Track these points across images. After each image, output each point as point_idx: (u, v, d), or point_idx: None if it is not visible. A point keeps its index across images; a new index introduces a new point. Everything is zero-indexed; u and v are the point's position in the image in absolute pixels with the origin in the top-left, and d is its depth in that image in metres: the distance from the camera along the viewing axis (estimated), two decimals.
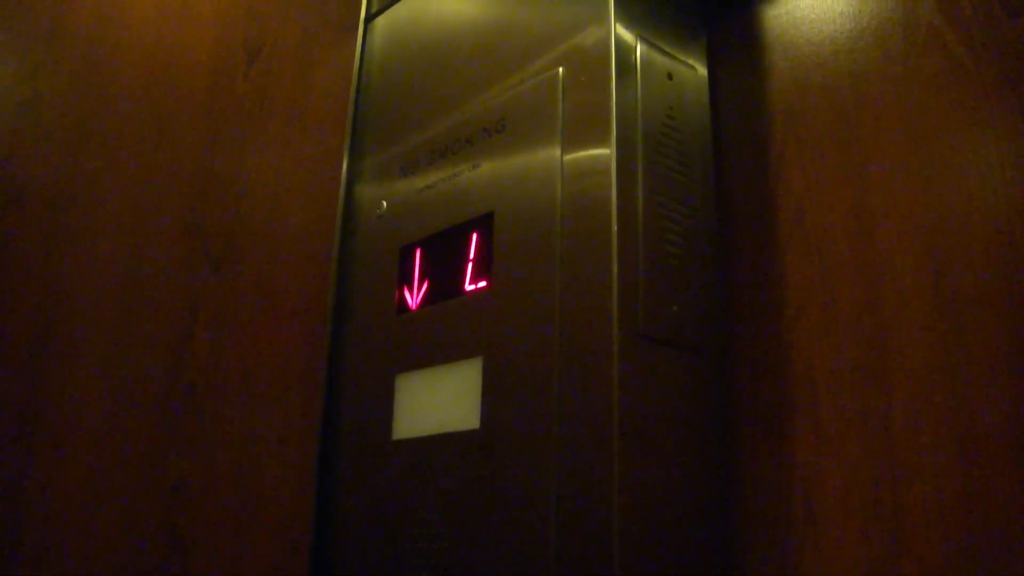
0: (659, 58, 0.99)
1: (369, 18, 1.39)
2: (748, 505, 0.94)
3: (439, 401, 1.03)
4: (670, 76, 1.00)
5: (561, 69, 1.00)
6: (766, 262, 0.99)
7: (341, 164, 1.30)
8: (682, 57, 1.02)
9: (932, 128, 0.89)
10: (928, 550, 0.81)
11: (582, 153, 0.94)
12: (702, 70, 1.05)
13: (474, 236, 1.04)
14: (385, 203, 1.20)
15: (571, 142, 0.96)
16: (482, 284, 1.01)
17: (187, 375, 1.17)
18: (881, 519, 0.84)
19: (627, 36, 0.96)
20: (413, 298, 1.11)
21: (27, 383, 1.04)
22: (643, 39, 0.98)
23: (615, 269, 0.87)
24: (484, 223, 1.03)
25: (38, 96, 1.12)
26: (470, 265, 1.04)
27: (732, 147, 1.06)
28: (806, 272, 0.95)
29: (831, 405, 0.90)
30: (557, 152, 0.96)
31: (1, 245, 1.05)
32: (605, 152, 0.92)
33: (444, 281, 1.07)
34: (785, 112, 1.01)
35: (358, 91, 1.34)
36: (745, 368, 0.98)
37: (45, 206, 1.09)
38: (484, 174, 1.05)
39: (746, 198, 1.03)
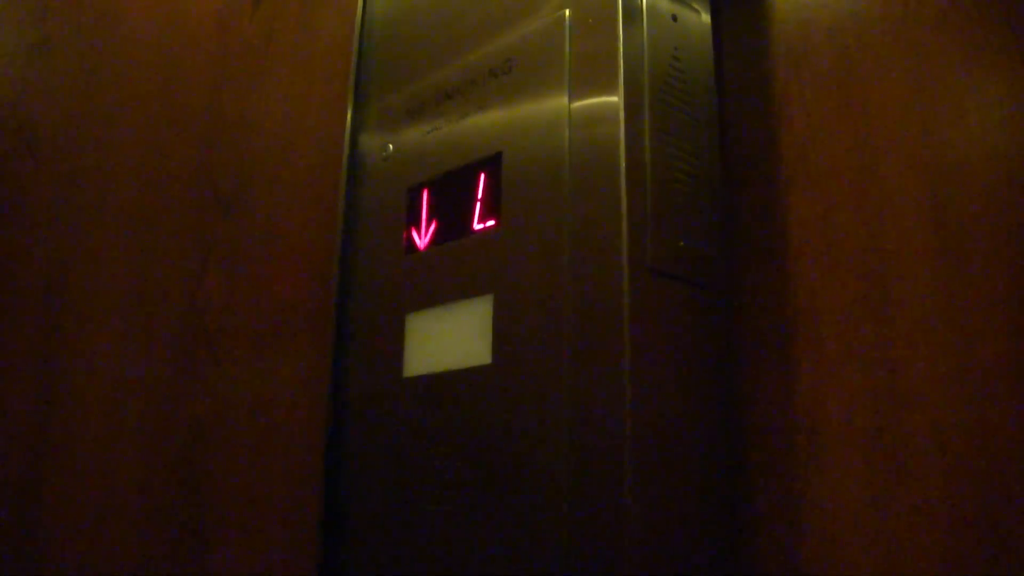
0: (664, 0, 1.00)
1: None
2: (753, 435, 0.97)
3: (450, 338, 1.06)
4: (675, 18, 1.01)
5: (567, 11, 1.01)
6: (770, 199, 1.01)
7: (346, 107, 1.31)
8: None
9: (934, 68, 0.91)
10: (930, 478, 0.84)
11: (590, 98, 0.96)
12: (705, 12, 1.06)
13: (482, 176, 1.06)
14: (391, 145, 1.22)
15: (578, 85, 0.97)
16: (491, 223, 1.03)
17: (200, 318, 1.19)
18: (883, 449, 0.87)
19: None
20: (421, 238, 1.13)
21: (45, 326, 1.06)
22: None
23: (624, 206, 0.89)
24: (492, 163, 1.05)
25: (47, 39, 1.13)
26: (478, 204, 1.06)
27: (736, 89, 1.07)
28: (809, 209, 0.97)
29: (834, 338, 0.93)
30: (565, 94, 0.98)
31: (15, 189, 1.07)
32: (613, 99, 0.93)
33: (452, 221, 1.09)
34: (788, 53, 1.03)
35: (362, 34, 1.35)
36: (750, 302, 1.00)
37: (58, 149, 1.10)
38: (492, 115, 1.07)
39: (750, 138, 1.05)
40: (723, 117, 1.06)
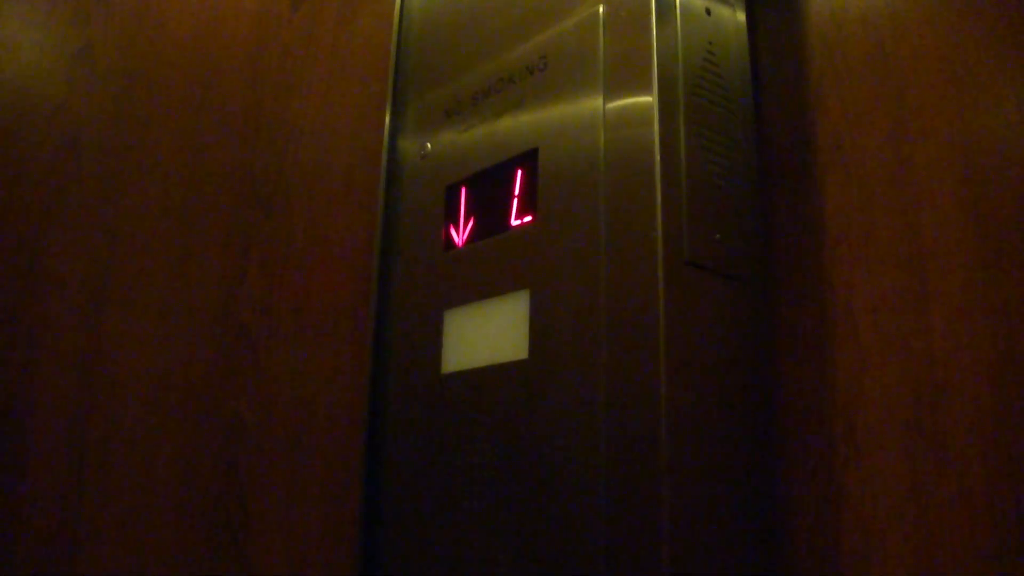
0: None
1: None
2: (791, 428, 0.97)
3: (487, 334, 1.06)
4: (708, 12, 1.01)
5: (601, 7, 1.01)
6: (806, 191, 1.01)
7: (385, 107, 1.32)
8: None
9: (969, 56, 0.91)
10: (968, 470, 0.83)
11: (625, 94, 0.96)
12: (739, 6, 1.06)
13: (519, 172, 1.07)
14: (429, 144, 1.23)
15: (613, 81, 0.98)
16: (528, 219, 1.04)
17: (240, 315, 1.21)
18: (921, 441, 0.87)
19: None
20: (459, 235, 1.14)
21: (87, 325, 1.08)
22: None
23: (659, 201, 0.89)
24: (529, 159, 1.06)
25: (90, 45, 1.15)
26: (515, 201, 1.06)
27: (770, 81, 1.07)
28: (845, 200, 0.97)
29: (871, 329, 0.92)
30: (600, 90, 0.98)
31: (59, 189, 1.09)
32: (647, 97, 0.93)
33: (490, 217, 1.10)
34: (822, 45, 1.03)
35: (400, 35, 1.36)
36: (786, 294, 1.00)
37: (100, 151, 1.13)
38: (528, 112, 1.07)
39: (785, 130, 1.04)
40: (759, 110, 1.06)
